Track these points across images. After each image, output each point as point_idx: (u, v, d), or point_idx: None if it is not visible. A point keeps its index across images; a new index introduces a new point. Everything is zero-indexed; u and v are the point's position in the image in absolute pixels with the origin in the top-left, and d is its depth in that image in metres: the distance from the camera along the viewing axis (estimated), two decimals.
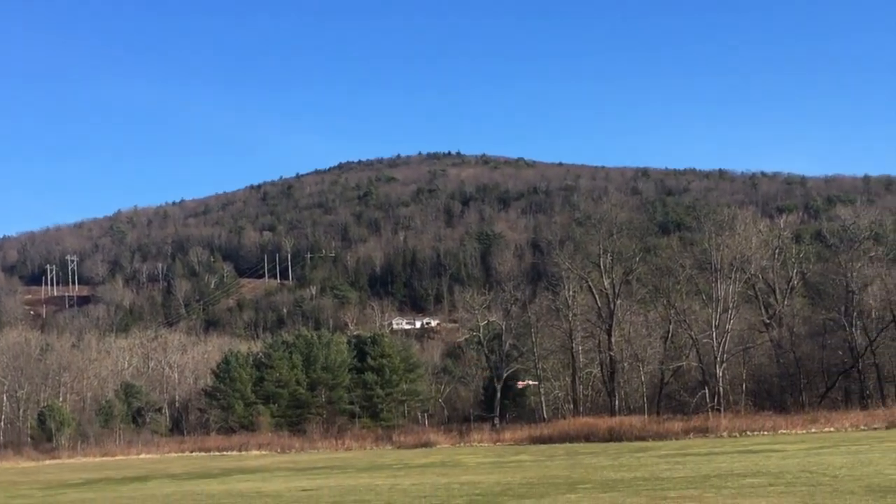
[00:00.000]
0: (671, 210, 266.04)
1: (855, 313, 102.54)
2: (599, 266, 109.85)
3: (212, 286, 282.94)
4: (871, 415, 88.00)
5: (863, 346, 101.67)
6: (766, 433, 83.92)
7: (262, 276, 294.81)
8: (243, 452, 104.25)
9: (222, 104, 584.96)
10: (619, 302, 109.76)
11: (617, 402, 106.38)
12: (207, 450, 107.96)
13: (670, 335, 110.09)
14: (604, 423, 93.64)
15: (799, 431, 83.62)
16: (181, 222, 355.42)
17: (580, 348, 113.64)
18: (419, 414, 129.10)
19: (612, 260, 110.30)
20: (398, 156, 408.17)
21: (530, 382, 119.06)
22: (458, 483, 48.07)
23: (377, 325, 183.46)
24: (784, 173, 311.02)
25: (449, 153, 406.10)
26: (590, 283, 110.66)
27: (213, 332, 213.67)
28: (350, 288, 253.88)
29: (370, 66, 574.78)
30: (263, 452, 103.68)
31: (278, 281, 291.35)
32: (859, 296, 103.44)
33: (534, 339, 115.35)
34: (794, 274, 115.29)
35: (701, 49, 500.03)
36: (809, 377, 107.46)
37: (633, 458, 61.01)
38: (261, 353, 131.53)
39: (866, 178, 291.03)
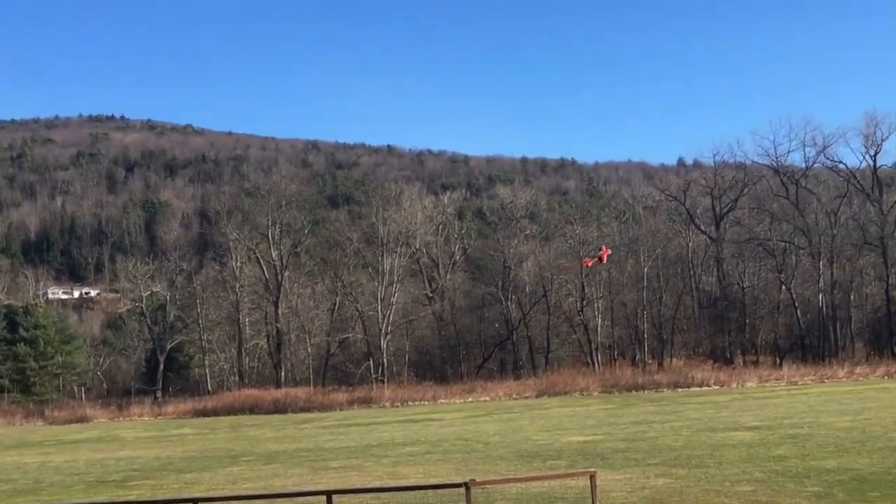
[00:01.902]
0: (341, 183, 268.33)
1: (511, 288, 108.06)
2: (268, 237, 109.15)
3: None
4: (522, 384, 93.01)
5: (517, 319, 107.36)
6: (426, 403, 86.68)
7: None
8: None
9: None
10: (286, 273, 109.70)
11: (283, 374, 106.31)
12: None
13: (337, 307, 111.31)
14: (269, 394, 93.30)
15: (457, 401, 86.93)
16: None
17: (247, 320, 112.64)
18: (76, 388, 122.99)
19: (280, 231, 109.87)
20: (56, 116, 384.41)
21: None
22: (115, 458, 46.20)
23: (31, 294, 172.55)
24: (449, 152, 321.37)
25: (112, 116, 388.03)
26: (258, 254, 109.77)
27: None
28: (1, 255, 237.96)
29: (25, 18, 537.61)
30: None
31: None
32: (515, 271, 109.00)
33: (199, 311, 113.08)
34: (457, 249, 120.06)
35: (366, 24, 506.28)
36: (468, 348, 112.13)
37: (297, 430, 61.14)
38: None
39: (524, 160, 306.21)
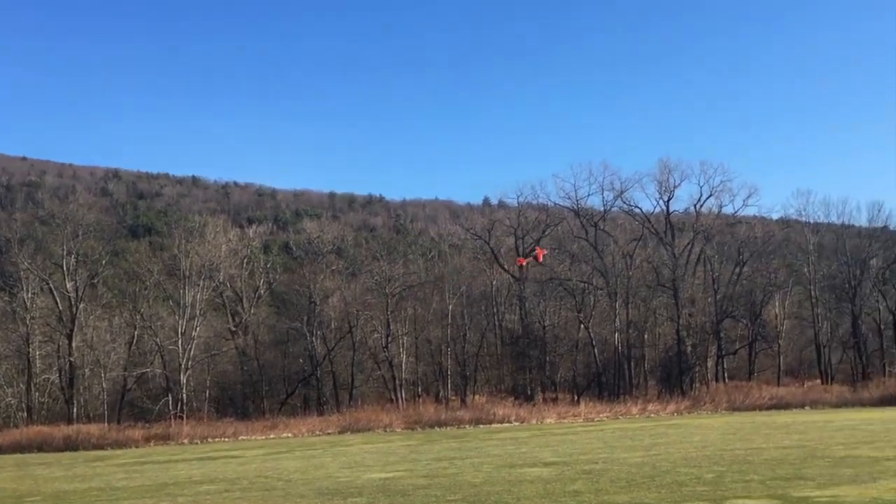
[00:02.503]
0: (142, 214, 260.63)
1: (316, 323, 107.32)
2: (63, 267, 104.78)
3: None
4: (326, 420, 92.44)
5: (321, 355, 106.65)
6: (227, 439, 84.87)
7: None
8: None
9: None
10: (82, 306, 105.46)
11: (76, 410, 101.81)
12: None
13: (135, 341, 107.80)
14: (60, 431, 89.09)
15: (259, 437, 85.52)
16: None
17: (38, 353, 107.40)
18: None
19: (76, 262, 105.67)
20: None
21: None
22: None
23: None
24: (256, 184, 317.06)
25: None
26: (51, 285, 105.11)
27: None
28: None
29: None
30: None
31: None
32: (320, 306, 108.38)
33: None
34: (262, 283, 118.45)
35: (171, 49, 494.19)
36: (272, 384, 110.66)
37: (88, 468, 58.63)
38: None
39: (332, 195, 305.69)
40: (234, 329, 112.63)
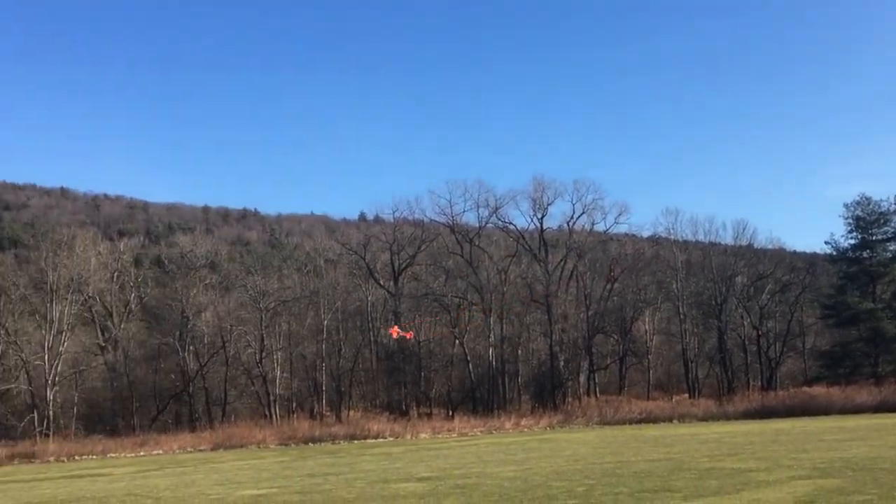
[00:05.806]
0: (7, 226, 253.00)
1: (188, 338, 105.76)
2: None
3: None
4: (198, 437, 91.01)
5: (194, 371, 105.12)
6: (95, 457, 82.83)
7: None
8: None
9: None
10: None
11: None
12: None
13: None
14: None
15: (129, 455, 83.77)
16: None
17: None
18: None
19: None
20: None
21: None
22: None
23: None
24: (127, 197, 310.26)
25: None
26: None
27: None
28: None
29: None
30: None
31: None
32: (193, 321, 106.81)
33: None
34: (133, 297, 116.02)
35: (36, 58, 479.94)
36: (142, 400, 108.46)
37: None
38: None
39: (206, 209, 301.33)
40: (103, 344, 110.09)
